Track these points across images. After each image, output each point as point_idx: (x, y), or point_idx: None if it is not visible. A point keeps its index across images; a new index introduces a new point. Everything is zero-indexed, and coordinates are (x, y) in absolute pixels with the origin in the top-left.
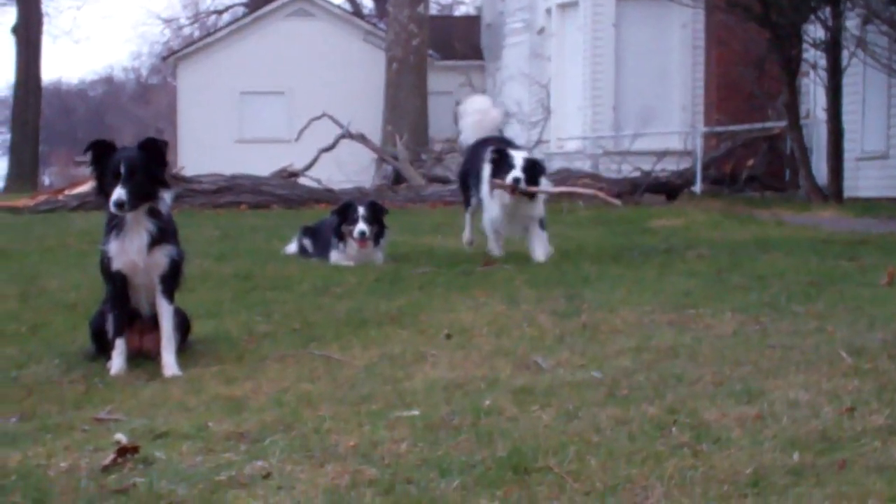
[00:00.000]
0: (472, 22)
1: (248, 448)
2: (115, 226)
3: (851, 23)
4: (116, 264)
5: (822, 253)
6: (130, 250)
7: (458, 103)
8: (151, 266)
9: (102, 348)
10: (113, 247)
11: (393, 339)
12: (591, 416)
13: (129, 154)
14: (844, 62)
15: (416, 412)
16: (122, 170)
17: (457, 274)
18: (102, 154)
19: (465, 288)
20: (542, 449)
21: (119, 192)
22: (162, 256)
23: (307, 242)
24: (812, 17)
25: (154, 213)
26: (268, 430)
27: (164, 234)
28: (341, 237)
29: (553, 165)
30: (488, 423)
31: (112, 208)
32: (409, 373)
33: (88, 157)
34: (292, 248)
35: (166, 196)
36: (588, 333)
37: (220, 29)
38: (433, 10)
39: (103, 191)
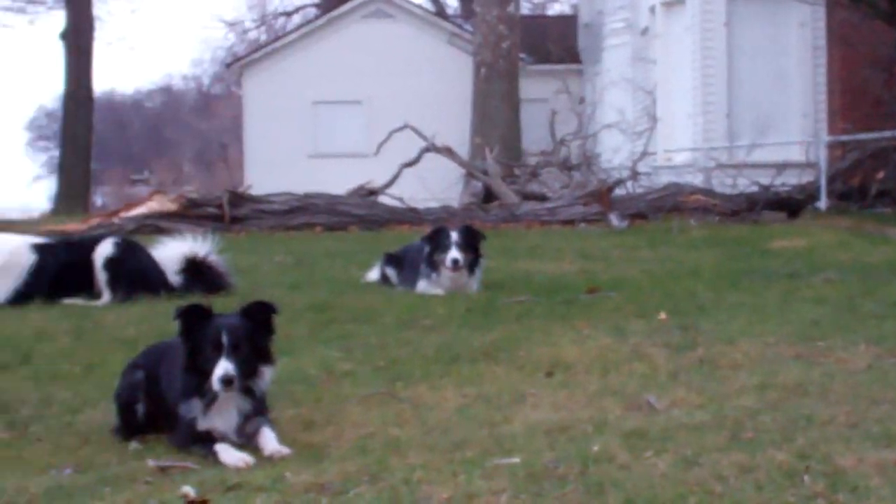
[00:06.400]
0: (568, 22)
1: (329, 501)
2: (197, 388)
3: None
4: (203, 426)
5: None
6: (218, 422)
7: (554, 112)
8: (244, 435)
9: (131, 428)
10: (197, 410)
11: (488, 377)
12: (712, 462)
13: (232, 322)
14: None
15: (516, 460)
16: (226, 340)
17: (557, 303)
18: (196, 321)
19: (566, 318)
20: (659, 500)
21: (226, 367)
22: (253, 426)
23: (390, 272)
24: None
25: (249, 392)
26: (351, 482)
27: (257, 410)
28: (433, 266)
29: (660, 180)
30: (598, 471)
31: (217, 385)
32: (507, 415)
33: (178, 325)
34: (373, 275)
35: (267, 374)
36: (706, 369)
37: (290, 32)
38: (525, 9)
39: (195, 365)
